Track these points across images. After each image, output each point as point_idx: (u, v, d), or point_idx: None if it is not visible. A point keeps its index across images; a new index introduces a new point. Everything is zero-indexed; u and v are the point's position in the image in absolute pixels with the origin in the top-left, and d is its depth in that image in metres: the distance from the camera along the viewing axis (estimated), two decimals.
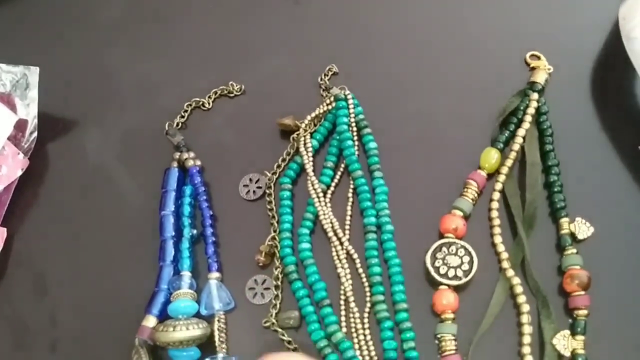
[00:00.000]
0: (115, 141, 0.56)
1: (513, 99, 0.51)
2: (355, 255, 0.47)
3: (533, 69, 0.53)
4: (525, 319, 0.43)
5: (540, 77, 0.51)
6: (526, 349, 0.42)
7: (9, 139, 0.53)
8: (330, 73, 0.55)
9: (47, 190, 0.54)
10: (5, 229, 0.52)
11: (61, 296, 0.50)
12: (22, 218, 0.53)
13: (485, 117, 0.52)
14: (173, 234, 0.49)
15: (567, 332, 0.42)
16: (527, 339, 0.42)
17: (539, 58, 0.53)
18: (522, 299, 0.43)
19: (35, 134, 0.55)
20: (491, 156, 0.49)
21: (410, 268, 0.47)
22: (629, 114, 0.51)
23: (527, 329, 0.42)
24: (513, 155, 0.49)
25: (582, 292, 0.43)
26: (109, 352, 0.47)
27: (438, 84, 0.54)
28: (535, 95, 0.50)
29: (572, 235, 0.45)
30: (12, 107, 0.55)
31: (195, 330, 0.44)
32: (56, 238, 0.52)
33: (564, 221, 0.46)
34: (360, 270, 0.47)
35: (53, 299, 0.50)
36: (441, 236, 0.47)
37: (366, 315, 0.46)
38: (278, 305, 0.47)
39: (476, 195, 0.48)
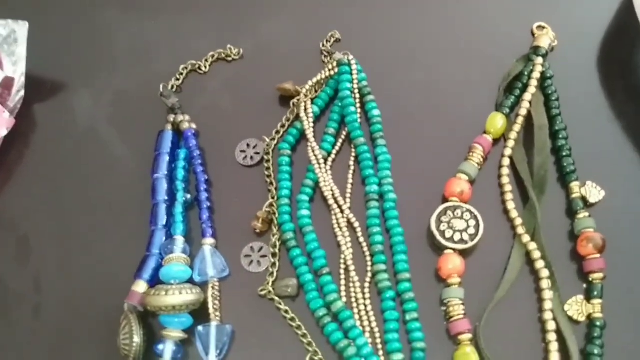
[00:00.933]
0: (106, 103, 0.53)
1: (517, 63, 0.50)
2: (356, 224, 0.46)
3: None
4: (545, 284, 0.41)
5: (543, 42, 0.50)
6: (548, 315, 0.40)
7: None
8: (332, 39, 0.54)
9: (33, 151, 0.52)
10: None
11: (46, 260, 0.47)
12: (5, 180, 0.51)
13: (488, 84, 0.50)
14: (166, 198, 0.47)
15: (580, 297, 0.41)
16: (548, 305, 0.41)
17: (544, 29, 0.52)
18: (540, 264, 0.42)
19: (22, 93, 0.52)
20: (497, 121, 0.47)
21: (412, 237, 0.45)
22: (636, 76, 0.50)
23: (548, 294, 0.41)
24: (520, 120, 0.47)
25: (598, 255, 0.42)
26: (96, 319, 0.45)
27: (441, 51, 0.53)
28: (539, 60, 0.49)
29: (583, 199, 0.44)
30: None
31: (189, 295, 0.42)
32: (42, 201, 0.50)
33: (575, 185, 0.45)
34: (362, 240, 0.45)
35: (37, 263, 0.47)
36: (446, 201, 0.45)
37: (367, 285, 0.44)
38: (275, 274, 0.45)
39: (482, 160, 0.46)
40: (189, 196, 0.47)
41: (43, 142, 0.52)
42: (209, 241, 0.46)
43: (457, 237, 0.44)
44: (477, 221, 0.44)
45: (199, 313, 0.43)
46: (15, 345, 0.45)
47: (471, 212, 0.44)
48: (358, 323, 0.42)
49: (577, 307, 0.41)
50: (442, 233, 0.44)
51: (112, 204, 0.49)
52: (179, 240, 0.45)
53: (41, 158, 0.52)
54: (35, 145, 0.52)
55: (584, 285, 0.43)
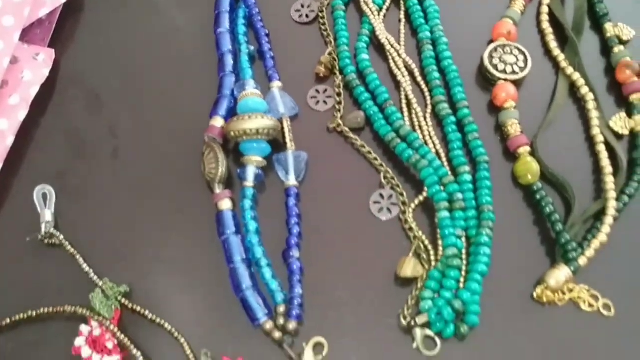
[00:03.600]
0: None
1: None
2: (413, 66, 0.49)
3: None
4: (591, 105, 0.46)
5: None
6: (595, 130, 0.45)
7: None
8: None
9: (91, 15, 0.54)
10: (53, 50, 0.51)
11: (118, 111, 0.50)
12: (68, 41, 0.53)
13: None
14: (230, 48, 0.50)
15: (622, 113, 0.46)
16: (595, 122, 0.45)
17: None
18: (585, 89, 0.46)
19: None
20: None
21: (464, 76, 0.49)
22: None
23: (595, 114, 0.45)
24: None
25: (636, 79, 0.46)
26: (174, 156, 0.47)
27: None
28: None
29: (617, 37, 0.49)
30: None
31: (270, 120, 0.45)
32: (106, 60, 0.52)
33: (609, 26, 0.49)
34: (420, 79, 0.49)
35: (110, 113, 0.50)
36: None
37: (428, 115, 0.47)
38: (342, 110, 0.48)
39: (523, 7, 0.51)
40: (252, 48, 0.50)
41: (99, 7, 0.54)
42: (276, 84, 0.48)
43: (509, 69, 0.48)
44: (525, 56, 0.48)
45: (275, 146, 0.46)
46: (96, 184, 0.47)
47: (519, 49, 0.48)
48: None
49: (620, 123, 0.46)
50: (495, 67, 0.48)
51: (176, 60, 0.51)
52: (250, 81, 0.48)
53: (100, 22, 0.53)
54: (92, 9, 0.54)
55: (624, 109, 0.47)
